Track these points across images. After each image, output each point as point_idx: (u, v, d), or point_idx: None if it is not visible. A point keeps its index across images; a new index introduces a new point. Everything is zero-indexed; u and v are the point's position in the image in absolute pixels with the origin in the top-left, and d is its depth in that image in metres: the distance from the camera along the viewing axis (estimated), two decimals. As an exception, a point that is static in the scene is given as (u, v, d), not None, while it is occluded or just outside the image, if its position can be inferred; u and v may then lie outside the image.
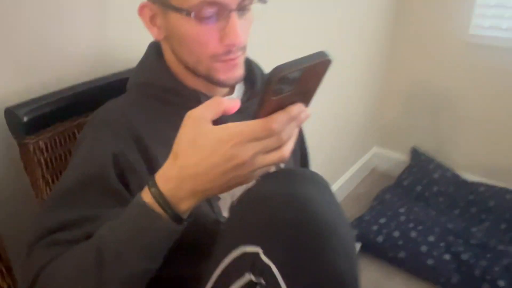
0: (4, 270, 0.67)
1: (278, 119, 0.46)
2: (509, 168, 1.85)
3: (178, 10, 0.61)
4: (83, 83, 0.77)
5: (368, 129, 2.17)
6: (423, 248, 1.60)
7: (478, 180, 1.95)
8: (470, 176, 1.99)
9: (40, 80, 0.74)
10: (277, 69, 0.43)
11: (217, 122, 0.48)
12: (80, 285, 0.51)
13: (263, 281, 0.47)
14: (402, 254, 1.61)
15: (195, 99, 0.68)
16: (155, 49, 0.73)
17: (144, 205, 0.50)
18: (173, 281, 0.66)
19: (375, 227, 1.71)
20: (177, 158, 0.48)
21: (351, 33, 1.71)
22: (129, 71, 0.75)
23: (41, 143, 0.69)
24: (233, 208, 0.55)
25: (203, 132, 0.47)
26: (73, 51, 0.78)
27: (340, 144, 1.93)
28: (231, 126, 0.46)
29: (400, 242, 1.63)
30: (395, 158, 2.23)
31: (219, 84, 0.68)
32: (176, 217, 0.50)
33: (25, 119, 0.67)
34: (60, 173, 0.73)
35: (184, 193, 0.49)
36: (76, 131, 0.74)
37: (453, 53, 1.92)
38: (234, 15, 0.61)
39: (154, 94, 0.70)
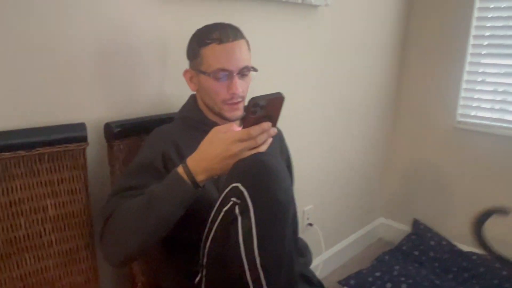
0: (88, 226, 1.05)
1: (254, 129, 0.81)
2: (498, 238, 2.06)
3: (204, 73, 1.02)
4: (149, 116, 1.21)
5: (372, 201, 2.47)
6: (412, 299, 1.80)
7: (471, 249, 2.15)
8: (464, 246, 2.19)
9: (123, 108, 1.18)
10: (252, 98, 0.79)
11: None
12: (135, 217, 0.86)
13: (239, 201, 0.81)
14: (392, 303, 1.82)
15: (214, 127, 1.06)
16: (192, 97, 1.14)
17: (177, 174, 0.85)
18: (187, 240, 0.99)
19: (370, 278, 1.94)
20: (199, 149, 0.87)
21: (356, 121, 2.12)
22: (174, 113, 1.16)
23: (122, 146, 1.11)
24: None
25: (216, 137, 0.85)
26: (141, 94, 1.22)
27: (345, 210, 2.24)
28: (229, 133, 0.83)
29: (392, 293, 1.85)
30: (398, 228, 2.48)
31: (227, 119, 1.04)
32: (194, 183, 0.85)
33: (115, 130, 1.10)
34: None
35: (200, 169, 0.84)
36: (142, 143, 1.15)
37: (444, 137, 2.27)
38: (236, 77, 1.00)
39: (190, 123, 1.09)
